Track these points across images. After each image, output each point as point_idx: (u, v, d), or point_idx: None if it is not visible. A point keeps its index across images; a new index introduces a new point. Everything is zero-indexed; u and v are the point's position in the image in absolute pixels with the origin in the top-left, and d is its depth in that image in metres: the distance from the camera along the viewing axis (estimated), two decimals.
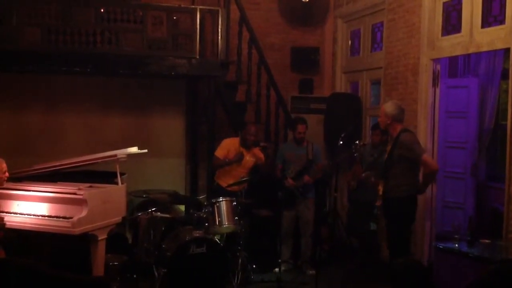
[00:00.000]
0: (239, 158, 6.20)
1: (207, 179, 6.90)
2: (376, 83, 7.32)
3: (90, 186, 5.21)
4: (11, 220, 5.04)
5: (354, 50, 7.90)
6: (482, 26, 5.41)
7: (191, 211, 5.96)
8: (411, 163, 5.17)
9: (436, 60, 6.06)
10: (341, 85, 8.00)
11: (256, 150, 6.34)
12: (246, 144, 6.27)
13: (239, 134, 6.43)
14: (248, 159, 6.31)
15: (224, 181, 6.23)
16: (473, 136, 7.00)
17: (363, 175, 5.99)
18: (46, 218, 5.01)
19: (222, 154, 6.26)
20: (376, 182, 5.59)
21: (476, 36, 5.45)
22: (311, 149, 6.29)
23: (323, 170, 6.42)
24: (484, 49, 5.50)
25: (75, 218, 4.79)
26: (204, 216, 5.60)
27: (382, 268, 5.58)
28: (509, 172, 5.03)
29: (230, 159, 6.20)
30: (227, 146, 6.31)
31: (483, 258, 4.33)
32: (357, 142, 5.85)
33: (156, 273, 5.38)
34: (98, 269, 5.02)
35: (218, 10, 6.78)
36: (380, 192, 5.35)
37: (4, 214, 5.10)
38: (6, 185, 5.11)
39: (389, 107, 5.23)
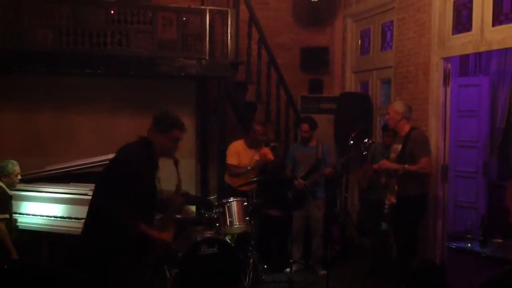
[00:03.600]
0: (260, 165, 6.18)
1: (218, 179, 6.90)
2: (386, 82, 7.29)
3: None
4: (24, 221, 5.08)
5: (364, 49, 7.87)
6: (493, 25, 5.38)
7: (202, 211, 5.97)
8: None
9: (447, 59, 6.03)
10: (351, 85, 7.98)
11: (266, 150, 6.33)
12: (253, 144, 6.26)
13: (248, 135, 6.41)
14: (258, 159, 6.30)
15: (234, 182, 6.23)
16: (484, 135, 6.95)
17: (383, 179, 5.94)
18: (59, 219, 5.05)
19: (236, 160, 6.23)
20: (387, 182, 5.57)
21: (487, 35, 5.41)
22: (320, 149, 6.30)
23: (333, 167, 6.39)
24: (495, 47, 5.47)
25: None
26: (215, 216, 5.60)
27: (394, 268, 5.56)
28: None
29: (247, 167, 6.15)
30: (236, 151, 6.27)
31: (496, 258, 4.32)
32: (366, 140, 5.84)
33: (167, 273, 5.38)
34: None
35: (227, 11, 6.79)
36: (396, 189, 5.36)
37: (17, 215, 5.14)
38: (18, 186, 5.15)
39: (398, 105, 5.42)
